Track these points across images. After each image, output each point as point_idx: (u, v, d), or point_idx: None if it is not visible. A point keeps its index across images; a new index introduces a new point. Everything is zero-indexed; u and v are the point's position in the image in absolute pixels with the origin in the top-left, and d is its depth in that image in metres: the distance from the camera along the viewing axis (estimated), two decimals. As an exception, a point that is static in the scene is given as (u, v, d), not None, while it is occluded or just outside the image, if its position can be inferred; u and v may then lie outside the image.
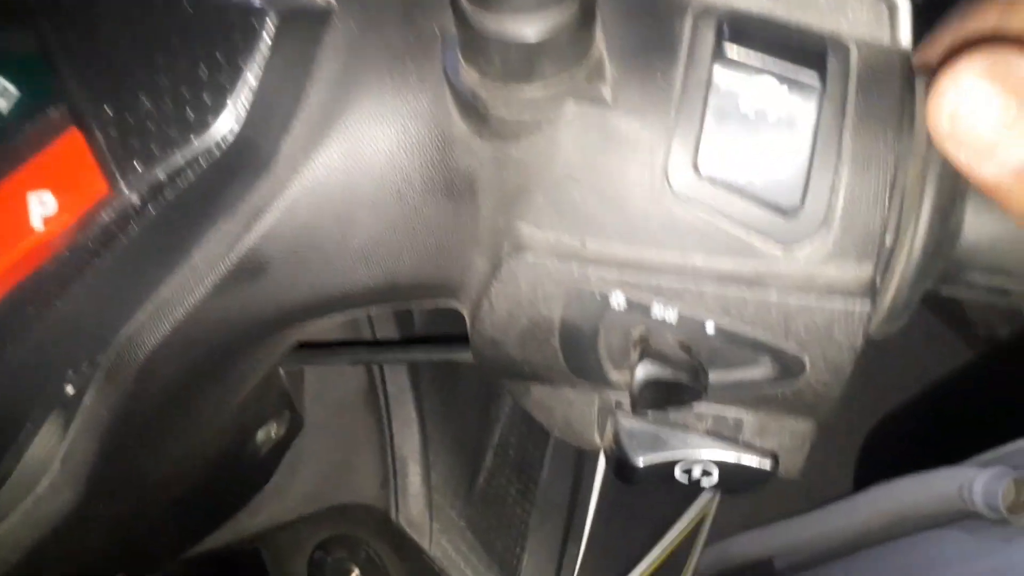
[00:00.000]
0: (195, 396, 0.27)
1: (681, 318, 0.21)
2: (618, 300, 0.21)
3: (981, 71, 0.18)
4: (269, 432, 0.38)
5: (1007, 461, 0.92)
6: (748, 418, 0.24)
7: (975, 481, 0.86)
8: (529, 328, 0.22)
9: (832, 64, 0.20)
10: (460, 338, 0.34)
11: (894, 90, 0.20)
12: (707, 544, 1.33)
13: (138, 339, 0.23)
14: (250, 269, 0.22)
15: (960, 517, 0.92)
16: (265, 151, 0.21)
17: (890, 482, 1.03)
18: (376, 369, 0.41)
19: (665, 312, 0.21)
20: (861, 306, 0.20)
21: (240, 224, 0.22)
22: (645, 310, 0.21)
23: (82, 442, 0.24)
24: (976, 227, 0.22)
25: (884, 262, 0.21)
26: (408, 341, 0.39)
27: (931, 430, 1.00)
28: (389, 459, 0.40)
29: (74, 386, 0.23)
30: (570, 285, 0.21)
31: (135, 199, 0.21)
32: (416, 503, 0.40)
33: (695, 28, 0.20)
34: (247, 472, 0.39)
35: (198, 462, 0.33)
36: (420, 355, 0.34)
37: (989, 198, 0.22)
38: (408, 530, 0.40)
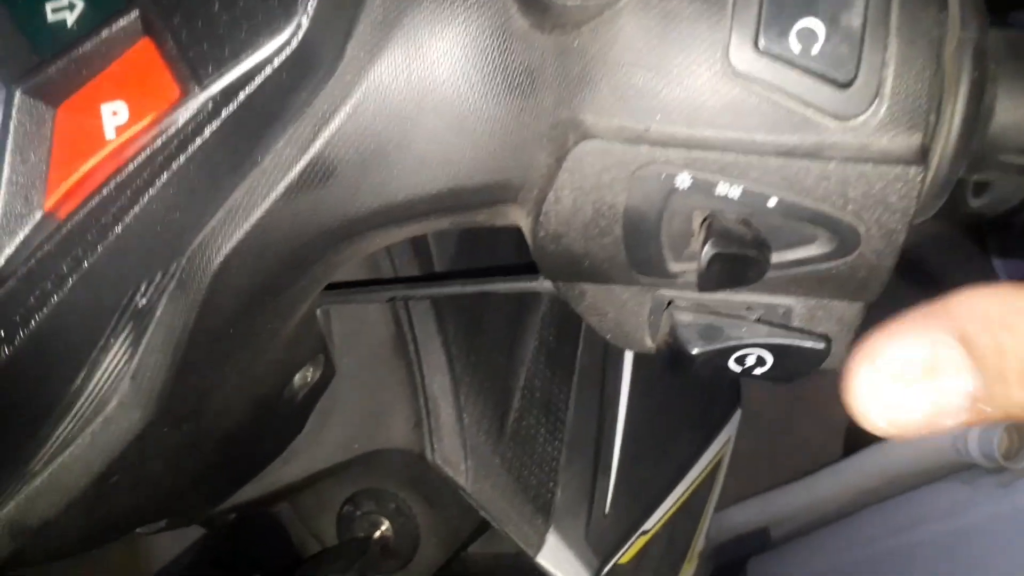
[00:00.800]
0: (256, 317, 0.28)
1: (745, 193, 0.22)
2: (683, 180, 0.22)
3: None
4: (305, 376, 0.38)
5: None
6: (798, 306, 0.25)
7: (969, 432, 0.89)
8: (593, 218, 0.23)
9: None
10: (491, 270, 0.35)
11: None
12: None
13: (211, 245, 0.23)
14: (319, 173, 0.23)
15: (955, 470, 0.95)
16: (331, 54, 0.22)
17: (881, 443, 1.05)
18: (404, 316, 0.42)
19: (729, 189, 0.22)
20: (914, 172, 0.21)
21: (309, 128, 0.23)
22: (710, 188, 0.22)
23: (153, 357, 0.25)
24: (1009, 108, 0.23)
25: (931, 137, 0.22)
26: (440, 275, 0.40)
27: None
28: (421, 401, 0.41)
29: (148, 298, 0.24)
30: (636, 168, 0.22)
31: (207, 104, 0.22)
32: (451, 443, 0.41)
33: None
34: (284, 417, 0.39)
35: (246, 400, 0.33)
36: (473, 286, 0.35)
37: (1020, 82, 0.23)
38: (446, 469, 0.40)
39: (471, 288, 0.34)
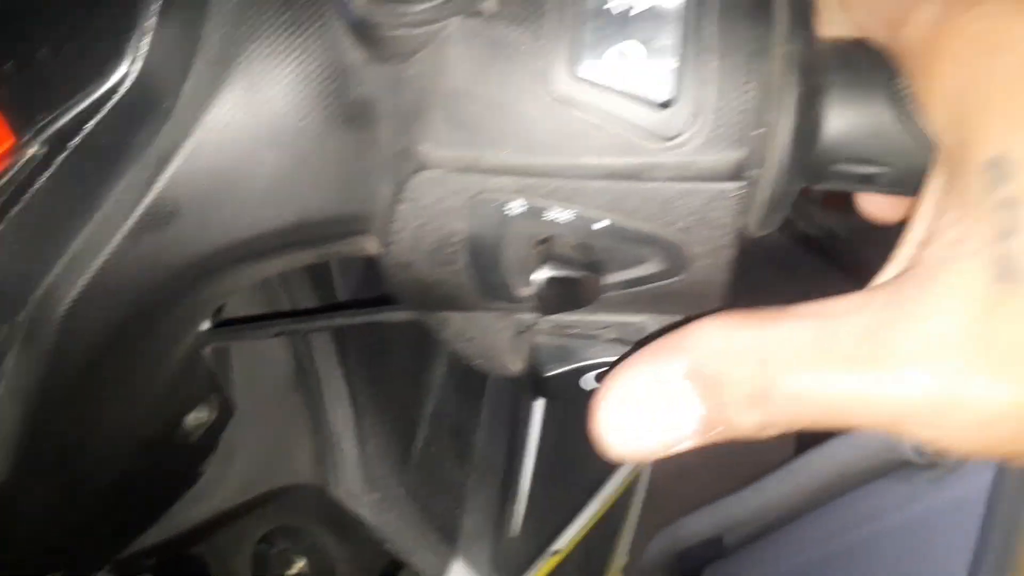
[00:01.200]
0: (119, 362, 0.27)
1: (576, 217, 0.22)
2: (517, 207, 0.22)
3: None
4: (199, 417, 0.38)
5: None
6: (650, 323, 0.26)
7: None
8: (437, 245, 0.23)
9: None
10: (382, 300, 0.35)
11: None
12: (656, 527, 1.35)
13: (55, 294, 0.23)
14: (162, 215, 0.23)
15: (893, 468, 0.97)
16: (167, 95, 0.22)
17: (823, 444, 1.07)
18: (304, 349, 0.42)
19: (561, 214, 0.22)
20: (735, 188, 0.22)
21: (148, 169, 0.23)
22: (542, 213, 0.22)
23: (6, 410, 0.25)
24: (841, 118, 0.24)
25: (758, 152, 0.23)
26: (329, 307, 0.40)
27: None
28: (322, 436, 0.41)
29: (-7, 351, 0.24)
30: (471, 197, 0.22)
31: (41, 149, 0.22)
32: (352, 475, 0.41)
33: None
34: (181, 459, 0.39)
35: (129, 444, 0.33)
36: (343, 319, 0.35)
37: (846, 89, 0.24)
38: (345, 502, 0.40)
39: (340, 322, 0.34)
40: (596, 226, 0.22)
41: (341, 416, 0.41)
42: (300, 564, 0.48)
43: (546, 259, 0.22)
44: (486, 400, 0.47)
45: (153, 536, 0.42)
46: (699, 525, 1.29)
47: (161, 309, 0.27)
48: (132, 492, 0.36)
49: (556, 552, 0.47)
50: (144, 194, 0.23)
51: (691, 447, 0.22)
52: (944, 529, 0.86)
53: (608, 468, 0.54)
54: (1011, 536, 0.72)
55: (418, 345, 0.46)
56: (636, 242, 0.23)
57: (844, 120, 0.24)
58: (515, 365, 0.28)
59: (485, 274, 0.24)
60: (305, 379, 0.42)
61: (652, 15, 0.21)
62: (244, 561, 0.49)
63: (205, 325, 0.37)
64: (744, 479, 1.24)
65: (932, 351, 0.18)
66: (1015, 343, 0.17)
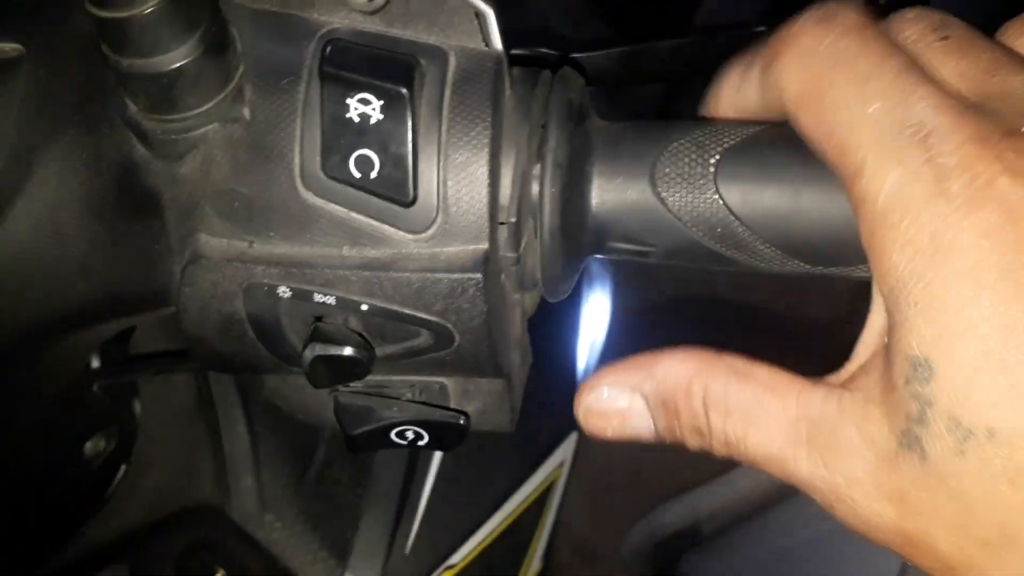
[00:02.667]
0: None
1: (339, 300, 0.24)
2: (284, 291, 0.24)
3: None
4: (98, 445, 0.41)
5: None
6: (450, 384, 0.28)
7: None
8: (222, 324, 0.25)
9: (429, 73, 0.23)
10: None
11: (486, 88, 0.24)
12: (635, 518, 1.37)
13: None
14: None
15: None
16: None
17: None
18: (203, 378, 0.44)
19: (325, 298, 0.24)
20: (477, 279, 0.24)
21: None
22: (309, 296, 0.24)
23: None
24: (602, 205, 0.26)
25: (515, 237, 0.25)
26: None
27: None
28: (221, 460, 0.44)
29: None
30: (244, 282, 0.24)
31: None
32: (248, 497, 0.43)
33: (314, 51, 0.24)
34: (85, 483, 0.41)
35: (28, 474, 0.36)
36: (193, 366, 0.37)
37: (609, 178, 0.26)
38: (241, 522, 0.43)
39: (193, 367, 0.36)
40: (361, 307, 0.24)
41: (237, 442, 0.44)
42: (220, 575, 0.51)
43: (312, 339, 0.24)
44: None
45: (72, 554, 0.45)
46: (676, 515, 1.31)
47: (11, 366, 0.29)
48: (41, 513, 0.39)
49: (451, 567, 0.49)
50: None
51: (646, 442, 0.26)
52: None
53: (517, 478, 0.56)
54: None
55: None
56: (402, 321, 0.25)
57: (608, 204, 0.25)
58: (334, 420, 0.30)
59: (276, 346, 0.26)
60: (205, 406, 0.44)
61: (388, 124, 0.23)
62: (168, 572, 0.52)
63: (95, 364, 0.39)
64: (721, 467, 1.26)
65: (838, 460, 0.22)
66: (904, 491, 0.20)
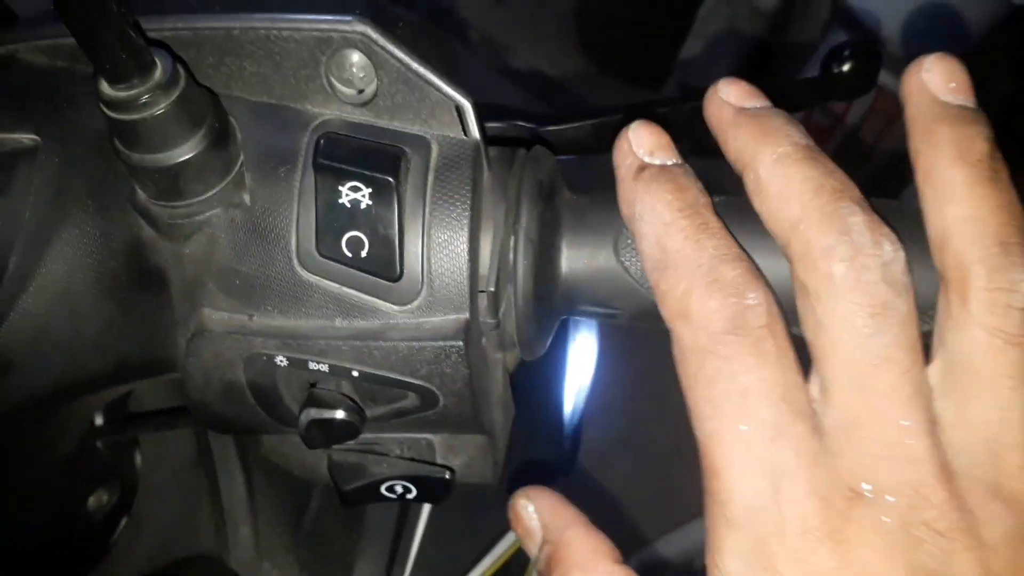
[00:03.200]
0: (5, 463, 0.32)
1: (332, 368, 0.26)
2: (281, 360, 0.26)
3: None
4: (101, 499, 0.43)
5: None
6: (436, 440, 0.30)
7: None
8: (225, 390, 0.27)
9: (414, 160, 0.26)
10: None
11: (466, 173, 0.26)
12: (629, 553, 1.38)
13: None
14: (0, 365, 0.28)
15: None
16: None
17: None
18: (202, 431, 0.46)
19: (319, 366, 0.26)
20: (458, 347, 0.26)
21: None
22: (304, 364, 0.26)
23: None
24: (571, 272, 0.28)
25: (494, 304, 0.27)
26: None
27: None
28: (220, 511, 0.45)
29: None
30: (244, 353, 0.27)
31: None
32: (246, 547, 0.45)
33: (309, 142, 0.26)
34: (88, 536, 0.43)
35: (35, 521, 0.37)
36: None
37: (577, 248, 0.28)
38: (239, 571, 0.44)
39: (190, 423, 0.38)
40: (353, 374, 0.27)
41: (235, 493, 0.45)
42: (216, 622, 0.52)
43: (307, 403, 0.26)
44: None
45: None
46: (670, 549, 1.32)
47: (24, 429, 0.31)
48: (45, 562, 0.41)
49: (442, 611, 0.51)
50: None
51: None
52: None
53: (501, 529, 0.58)
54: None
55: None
56: (390, 385, 0.27)
57: (577, 272, 0.28)
58: (328, 476, 0.32)
59: (272, 411, 0.28)
60: (204, 458, 0.46)
61: (377, 209, 0.25)
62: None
63: (98, 421, 0.41)
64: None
65: None
66: None
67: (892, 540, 0.20)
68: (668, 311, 0.23)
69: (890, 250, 0.22)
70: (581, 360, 0.72)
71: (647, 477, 1.46)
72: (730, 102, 0.26)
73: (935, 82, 0.24)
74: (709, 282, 0.22)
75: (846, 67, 0.37)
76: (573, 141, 0.35)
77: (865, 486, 0.21)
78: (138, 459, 0.45)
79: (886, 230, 0.22)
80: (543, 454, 0.65)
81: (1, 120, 0.27)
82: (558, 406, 0.68)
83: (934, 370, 0.22)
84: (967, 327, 0.21)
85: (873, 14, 1.37)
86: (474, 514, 0.55)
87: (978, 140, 0.23)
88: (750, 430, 0.21)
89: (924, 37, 1.36)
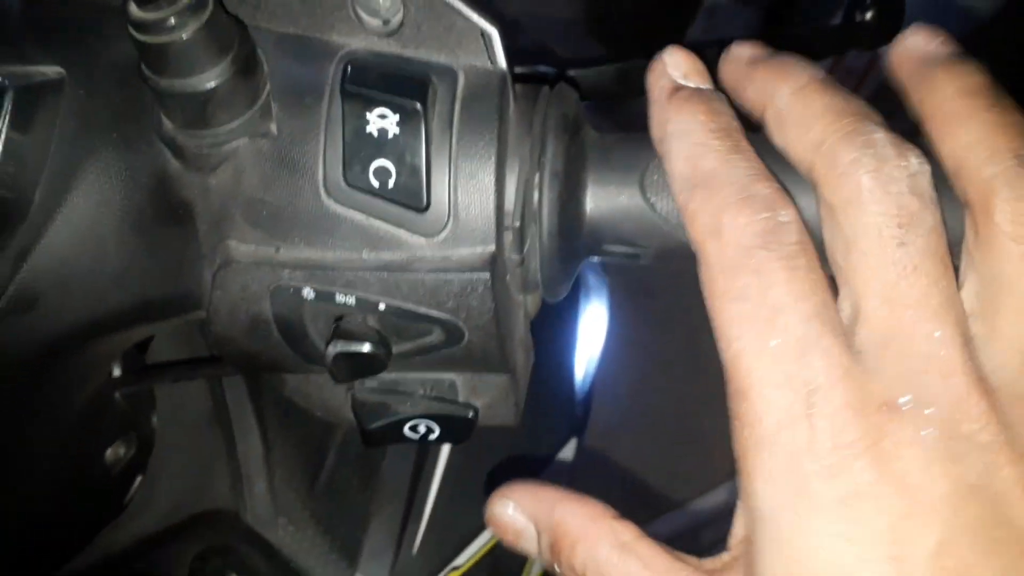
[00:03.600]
0: (25, 408, 0.32)
1: (359, 300, 0.26)
2: (308, 293, 0.26)
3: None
4: (118, 452, 0.43)
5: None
6: (459, 380, 0.30)
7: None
8: (250, 324, 0.27)
9: (440, 90, 0.25)
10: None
11: (492, 103, 0.26)
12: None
13: None
14: (24, 301, 0.27)
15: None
16: (22, 201, 0.27)
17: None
18: (219, 387, 0.46)
19: (346, 298, 0.26)
20: (485, 278, 0.26)
21: (8, 264, 0.27)
22: (331, 297, 0.26)
23: None
24: (599, 207, 0.28)
25: (519, 240, 0.27)
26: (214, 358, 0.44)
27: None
28: (236, 467, 0.45)
29: None
30: (271, 285, 0.26)
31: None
32: (261, 502, 0.45)
33: (335, 71, 0.26)
34: (105, 490, 0.43)
35: (53, 474, 0.37)
36: (218, 371, 0.39)
37: (602, 185, 0.28)
38: (256, 527, 0.44)
39: (217, 372, 0.38)
40: (379, 307, 0.26)
41: (251, 449, 0.45)
42: (232, 579, 0.53)
43: (334, 336, 0.26)
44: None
45: (88, 558, 0.46)
46: (676, 524, 1.32)
47: (41, 374, 0.31)
48: (61, 516, 0.41)
49: (456, 568, 0.51)
50: (6, 286, 0.27)
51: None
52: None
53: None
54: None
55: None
56: (416, 319, 0.27)
57: (602, 209, 0.27)
58: (352, 417, 0.32)
59: (299, 345, 0.28)
60: (220, 415, 0.46)
61: (404, 137, 0.25)
62: (182, 577, 0.53)
63: (116, 372, 0.41)
64: (718, 478, 1.27)
65: None
66: None
67: (933, 453, 0.20)
68: (697, 230, 0.23)
69: (916, 162, 0.22)
70: (591, 332, 0.72)
71: (652, 454, 1.47)
72: (743, 57, 0.26)
73: (919, 43, 0.25)
74: (742, 199, 0.22)
75: (868, 15, 0.37)
76: (596, 85, 0.35)
77: (902, 399, 0.20)
78: (154, 415, 0.45)
79: (911, 145, 0.22)
80: (556, 417, 0.65)
81: (26, 52, 0.27)
82: (569, 374, 0.68)
83: (967, 294, 0.22)
84: (995, 241, 0.21)
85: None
86: (488, 473, 0.55)
87: (975, 74, 0.23)
88: (780, 344, 0.21)
89: (930, 16, 1.35)
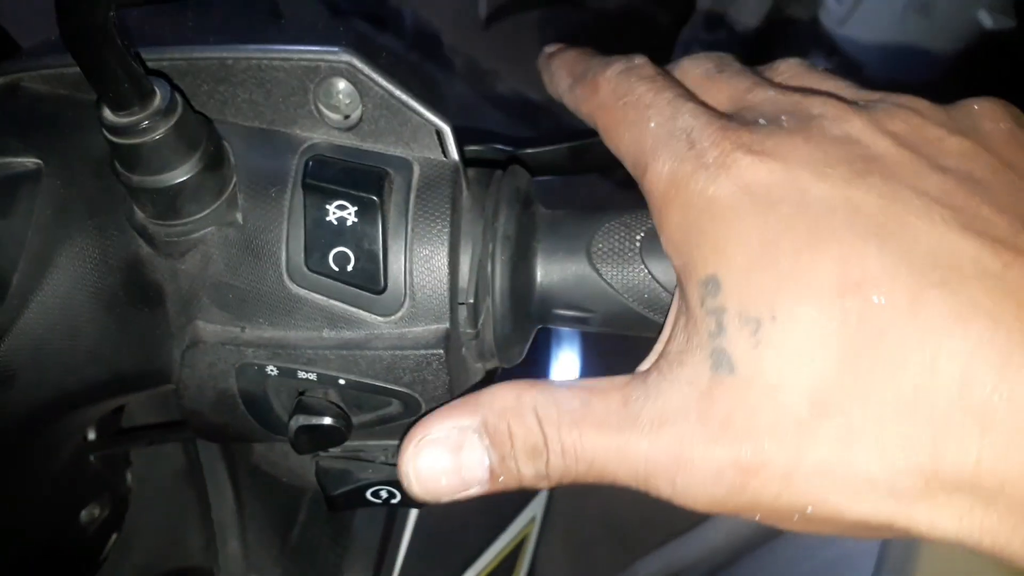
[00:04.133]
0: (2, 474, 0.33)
1: (320, 376, 0.28)
2: (272, 369, 0.28)
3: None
4: (92, 513, 0.44)
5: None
6: None
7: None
8: (217, 399, 0.29)
9: (396, 181, 0.27)
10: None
11: (445, 192, 0.28)
12: (615, 571, 1.38)
13: None
14: (2, 377, 0.29)
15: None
16: (0, 284, 0.28)
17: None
18: (192, 447, 0.47)
19: (307, 374, 0.28)
20: (438, 355, 0.27)
21: None
22: (293, 373, 0.28)
23: None
24: (549, 275, 0.30)
25: (472, 315, 0.29)
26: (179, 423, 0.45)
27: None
28: (210, 525, 0.46)
29: None
30: (236, 363, 0.28)
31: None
32: (235, 560, 0.46)
33: (298, 164, 0.28)
34: (81, 549, 0.44)
35: (30, 535, 0.38)
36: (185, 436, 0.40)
37: (552, 254, 0.30)
38: (229, 585, 0.45)
39: (187, 436, 0.40)
40: (340, 382, 0.28)
41: (225, 507, 0.46)
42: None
43: (297, 411, 0.28)
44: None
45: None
46: (655, 567, 1.32)
47: (19, 442, 0.32)
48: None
49: (427, 623, 0.52)
50: None
51: (480, 493, 0.26)
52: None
53: (490, 535, 0.59)
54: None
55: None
56: (375, 392, 0.28)
57: (552, 276, 0.29)
58: (315, 482, 0.33)
59: (264, 418, 0.30)
60: (194, 474, 0.47)
61: (362, 226, 0.27)
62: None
63: (91, 435, 0.42)
64: (697, 519, 1.28)
65: (666, 423, 0.23)
66: (727, 416, 0.23)
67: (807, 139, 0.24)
68: (586, 106, 0.29)
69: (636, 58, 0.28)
70: (563, 369, 0.74)
71: (625, 501, 1.47)
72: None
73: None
74: (604, 64, 0.28)
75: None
76: (549, 163, 0.37)
77: (761, 121, 0.25)
78: (129, 475, 0.47)
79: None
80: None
81: (6, 145, 0.29)
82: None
83: None
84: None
85: (851, 39, 1.41)
86: (457, 526, 0.56)
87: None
88: (658, 120, 0.25)
89: (899, 62, 1.40)
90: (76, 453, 0.39)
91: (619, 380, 0.25)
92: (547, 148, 0.37)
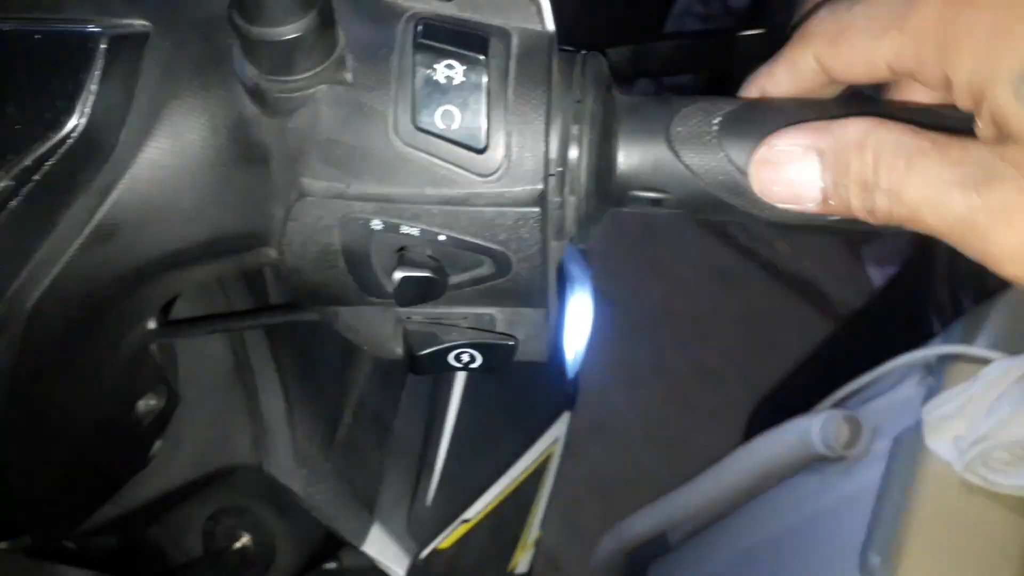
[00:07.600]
0: (76, 351, 0.34)
1: (422, 232, 0.29)
2: (377, 224, 0.29)
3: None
4: (149, 403, 0.44)
5: (846, 405, 1.06)
6: (498, 315, 0.33)
7: (811, 426, 0.99)
8: (319, 254, 0.30)
9: (496, 46, 0.29)
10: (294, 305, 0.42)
11: (543, 62, 0.29)
12: (604, 530, 1.41)
13: (23, 294, 0.30)
14: (105, 233, 0.30)
15: (807, 463, 1.04)
16: (108, 141, 0.29)
17: (749, 441, 1.15)
18: (241, 346, 0.48)
19: (411, 229, 0.29)
20: (535, 213, 0.29)
21: (94, 198, 0.29)
22: (397, 228, 0.29)
23: None
24: (628, 157, 0.31)
25: (559, 185, 0.30)
26: (252, 311, 0.46)
27: (810, 397, 1.12)
28: (258, 422, 0.47)
29: (-29, 338, 0.30)
30: (341, 217, 0.29)
31: (9, 182, 0.28)
32: (284, 454, 0.47)
33: (405, 28, 0.29)
34: (134, 441, 0.45)
35: (88, 422, 0.39)
36: (258, 321, 0.41)
37: (632, 135, 0.31)
38: (279, 477, 0.47)
39: (255, 323, 0.41)
40: (440, 238, 0.29)
41: (274, 405, 0.48)
42: (244, 539, 0.54)
43: (401, 263, 0.29)
44: (406, 392, 0.53)
45: (110, 512, 0.48)
46: (643, 525, 1.35)
47: (109, 307, 0.33)
48: (91, 466, 0.42)
49: (466, 520, 0.53)
50: (90, 218, 0.29)
51: (814, 211, 0.29)
52: (848, 517, 0.93)
53: (519, 448, 0.61)
54: (898, 513, 0.80)
55: (345, 346, 0.53)
56: (471, 250, 0.30)
57: (632, 158, 0.31)
58: (395, 350, 0.34)
59: (360, 275, 0.31)
60: (242, 373, 0.48)
61: (468, 85, 0.28)
62: (195, 538, 0.55)
63: (151, 325, 0.43)
64: (686, 475, 1.32)
65: (992, 197, 0.25)
66: None
67: None
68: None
69: None
70: (579, 309, 0.75)
71: (619, 462, 1.51)
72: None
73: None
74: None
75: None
76: (612, 65, 0.38)
77: None
78: (179, 371, 0.47)
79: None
80: (550, 392, 0.69)
81: (115, 7, 0.29)
82: (560, 354, 0.72)
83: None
84: None
85: None
86: (490, 436, 0.58)
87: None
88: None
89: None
90: (140, 339, 0.40)
91: (961, 135, 0.26)
92: (610, 49, 0.39)
